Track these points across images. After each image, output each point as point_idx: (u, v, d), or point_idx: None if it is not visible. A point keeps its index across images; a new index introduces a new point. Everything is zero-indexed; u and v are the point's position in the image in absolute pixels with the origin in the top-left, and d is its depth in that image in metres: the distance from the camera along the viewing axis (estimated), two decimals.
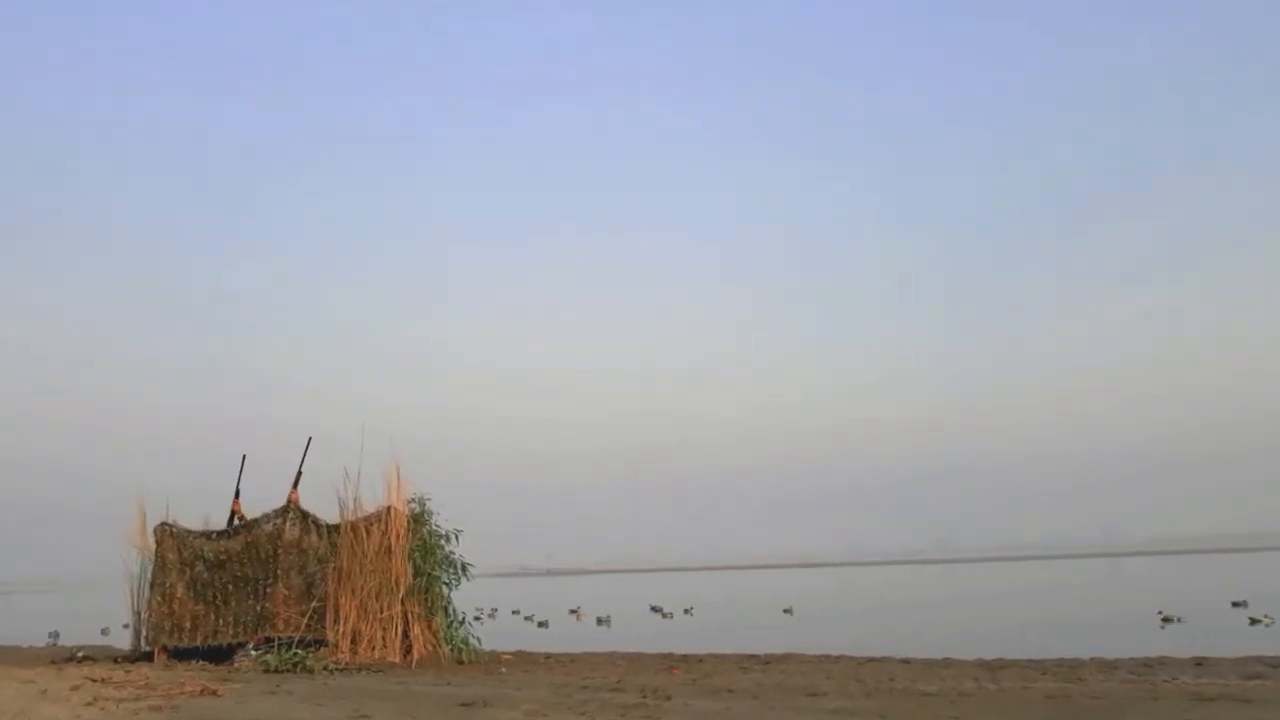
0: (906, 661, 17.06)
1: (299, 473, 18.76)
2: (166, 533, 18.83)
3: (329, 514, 18.44)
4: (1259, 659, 16.29)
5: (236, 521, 18.87)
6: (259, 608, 17.84)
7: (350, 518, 18.11)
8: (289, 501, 18.55)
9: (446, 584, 18.45)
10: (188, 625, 18.16)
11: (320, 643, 17.31)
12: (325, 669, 15.87)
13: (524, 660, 18.47)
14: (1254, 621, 26.90)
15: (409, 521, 18.17)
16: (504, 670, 16.27)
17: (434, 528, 18.52)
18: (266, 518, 18.45)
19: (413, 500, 18.48)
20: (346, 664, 16.44)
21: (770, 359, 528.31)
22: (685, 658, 18.77)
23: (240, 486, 19.09)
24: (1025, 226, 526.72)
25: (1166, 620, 28.15)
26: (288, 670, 15.84)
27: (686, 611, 41.26)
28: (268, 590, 17.89)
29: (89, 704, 10.94)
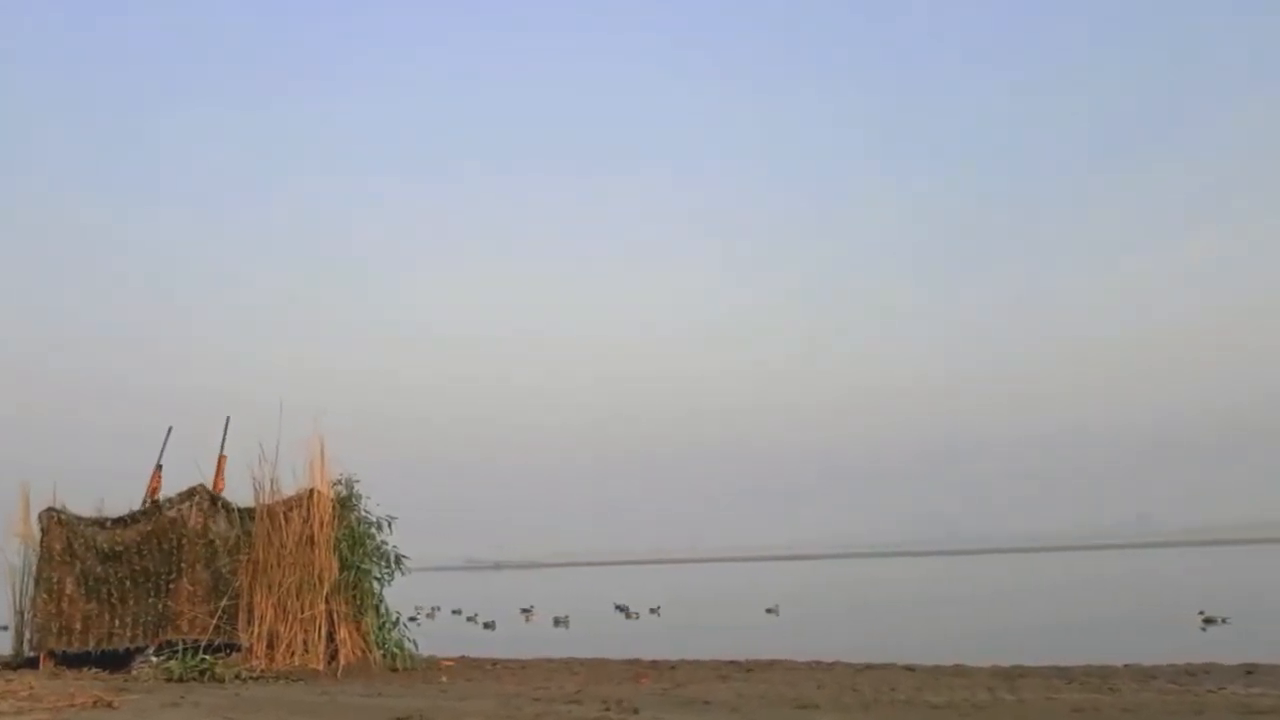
0: (911, 669, 17.17)
1: (221, 456, 18.74)
2: (53, 519, 18.72)
3: (242, 497, 18.43)
4: None
5: (150, 502, 18.76)
6: (161, 606, 17.80)
7: (266, 501, 18.08)
8: (208, 487, 18.50)
9: (378, 579, 18.47)
10: (78, 627, 18.10)
11: (232, 647, 17.31)
12: (237, 677, 15.89)
13: (467, 667, 18.52)
14: None
15: (334, 506, 18.15)
16: (444, 679, 16.32)
17: (364, 514, 18.52)
18: (169, 502, 18.38)
19: (339, 482, 18.47)
20: (262, 671, 16.46)
21: (752, 321, 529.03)
22: (654, 664, 18.85)
23: (163, 461, 19.01)
24: (1047, 166, 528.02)
25: (1209, 621, 28.42)
26: (194, 679, 15.86)
27: (654, 611, 41.39)
28: (171, 586, 17.85)
29: None
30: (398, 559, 18.67)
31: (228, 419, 18.84)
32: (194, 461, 18.65)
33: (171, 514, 18.19)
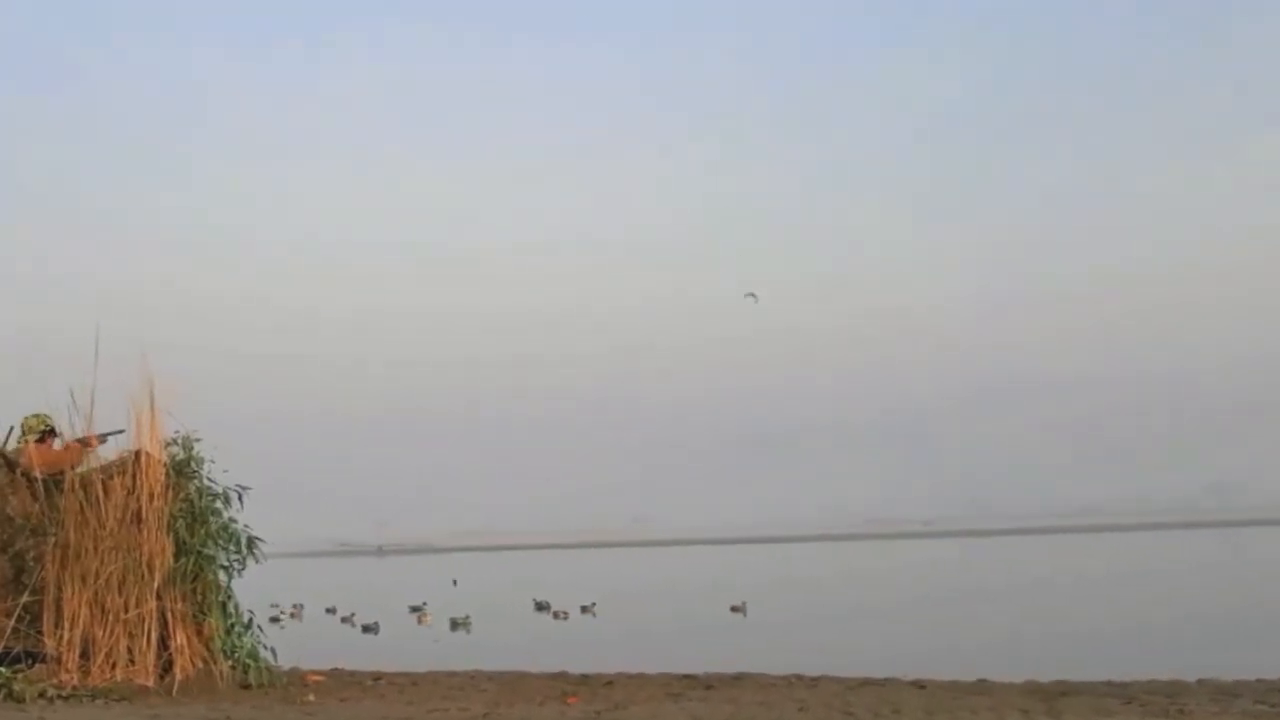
0: (920, 685, 17.43)
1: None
2: None
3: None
4: None
5: None
6: None
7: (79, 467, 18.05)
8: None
9: (225, 568, 18.42)
10: None
11: (35, 656, 17.30)
12: (42, 695, 15.93)
13: (341, 683, 18.66)
14: None
15: (168, 474, 18.14)
16: (311, 698, 16.49)
17: (207, 483, 18.47)
18: None
19: (174, 441, 18.44)
20: (74, 688, 16.47)
21: (725, 231, 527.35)
22: (586, 679, 19.05)
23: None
24: (1105, 42, 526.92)
25: None
26: None
27: (587, 609, 41.74)
28: None
29: None
30: (251, 542, 18.60)
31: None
32: None
33: None
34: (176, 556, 17.74)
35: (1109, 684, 17.05)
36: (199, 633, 17.87)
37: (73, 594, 17.38)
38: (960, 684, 17.45)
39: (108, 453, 18.19)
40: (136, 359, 18.30)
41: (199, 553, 17.94)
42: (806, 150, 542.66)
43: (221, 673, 17.58)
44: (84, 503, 17.64)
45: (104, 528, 17.56)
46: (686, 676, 19.00)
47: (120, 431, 18.45)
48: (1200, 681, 17.20)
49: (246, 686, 17.38)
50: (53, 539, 17.67)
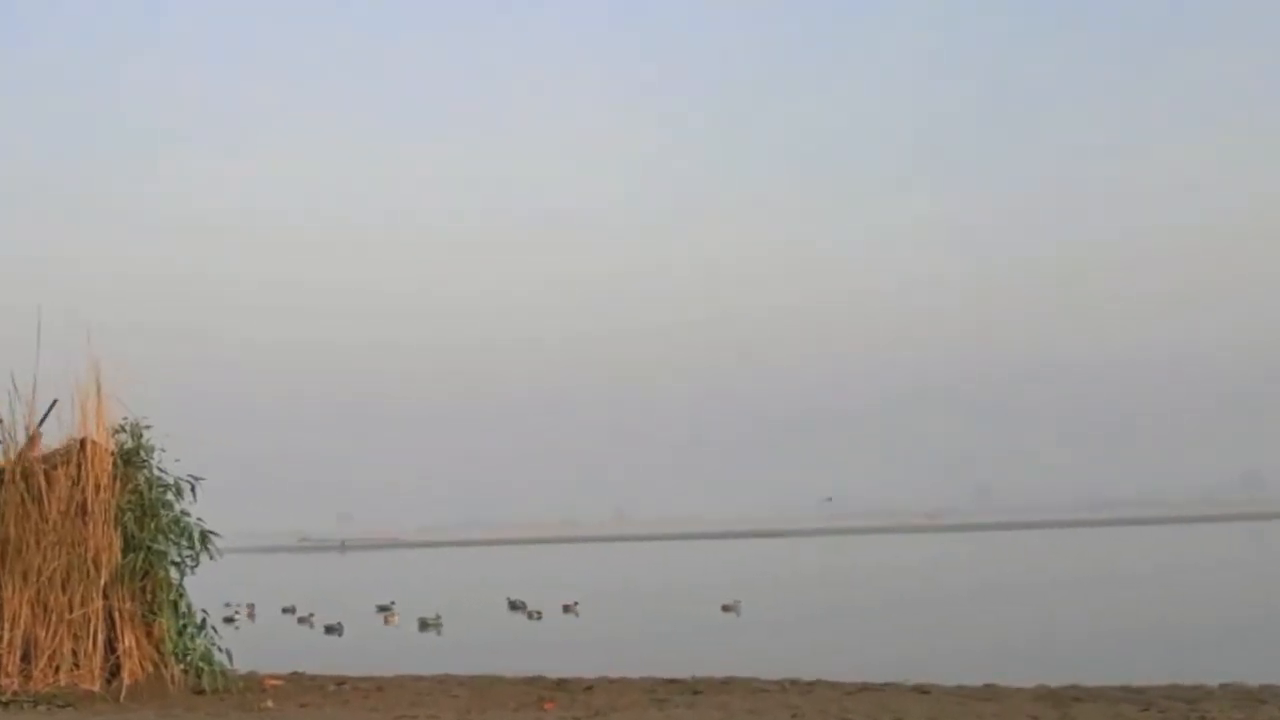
0: (923, 690, 17.43)
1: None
2: None
3: None
4: None
5: None
6: None
7: (20, 456, 18.02)
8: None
9: (177, 564, 18.41)
10: None
11: None
12: None
13: (302, 688, 18.67)
14: None
15: (116, 463, 18.08)
16: (269, 704, 16.47)
17: (157, 473, 18.44)
18: None
19: (122, 429, 18.40)
20: (15, 693, 16.47)
21: (705, 202, 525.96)
22: (563, 684, 19.04)
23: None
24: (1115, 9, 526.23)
25: None
26: None
27: (567, 609, 41.72)
28: None
29: None
30: (204, 537, 18.58)
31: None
32: None
33: None
34: (125, 552, 17.72)
35: (1125, 689, 17.03)
36: (149, 634, 17.85)
37: (13, 593, 17.33)
38: (966, 689, 17.44)
39: (50, 438, 18.20)
40: (81, 340, 18.28)
41: (149, 548, 17.90)
42: (803, 126, 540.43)
43: (173, 677, 17.59)
44: (25, 494, 17.57)
45: (46, 521, 17.51)
46: (672, 681, 18.98)
47: (54, 402, 18.46)
48: (1223, 686, 17.21)
49: (200, 692, 17.35)
50: None
